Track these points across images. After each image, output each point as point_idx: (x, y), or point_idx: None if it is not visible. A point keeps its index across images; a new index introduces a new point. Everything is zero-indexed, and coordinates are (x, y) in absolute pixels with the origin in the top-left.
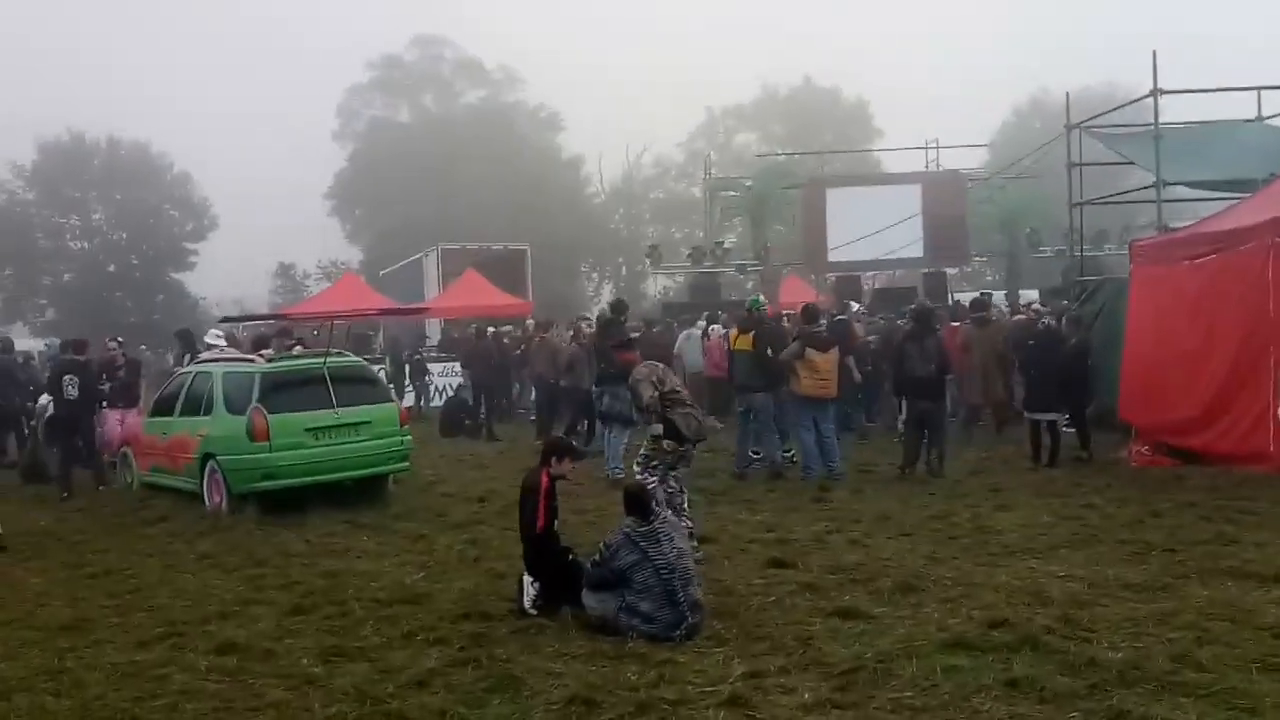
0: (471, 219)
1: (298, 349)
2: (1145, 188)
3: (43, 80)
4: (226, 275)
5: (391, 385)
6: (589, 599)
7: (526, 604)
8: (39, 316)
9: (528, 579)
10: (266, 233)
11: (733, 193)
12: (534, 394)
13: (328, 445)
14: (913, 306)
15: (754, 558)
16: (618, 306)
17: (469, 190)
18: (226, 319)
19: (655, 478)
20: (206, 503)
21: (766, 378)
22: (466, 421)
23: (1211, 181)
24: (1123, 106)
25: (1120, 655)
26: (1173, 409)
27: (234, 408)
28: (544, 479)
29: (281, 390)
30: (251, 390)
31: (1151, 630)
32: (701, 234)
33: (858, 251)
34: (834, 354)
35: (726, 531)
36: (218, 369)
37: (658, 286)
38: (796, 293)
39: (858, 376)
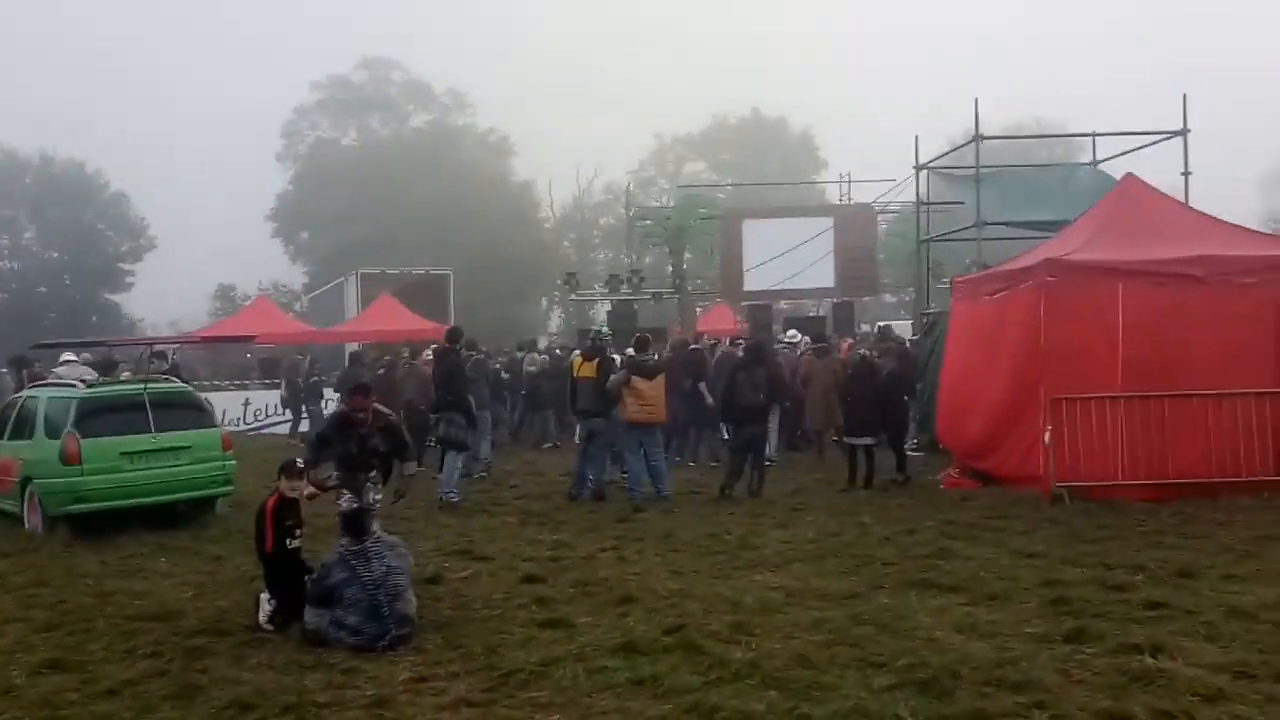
0: (417, 242)
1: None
2: (967, 227)
3: None
4: (166, 297)
5: (288, 409)
6: (308, 614)
7: (261, 619)
8: None
9: (264, 596)
10: (208, 254)
11: (648, 221)
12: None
13: (144, 469)
14: (745, 339)
15: (514, 574)
16: (453, 335)
17: (415, 213)
18: (38, 345)
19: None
20: (26, 524)
21: (605, 404)
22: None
23: (1028, 222)
24: (960, 148)
25: (748, 656)
26: (971, 433)
27: (52, 432)
28: (271, 500)
29: (98, 415)
30: (68, 415)
31: (799, 634)
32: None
33: (771, 281)
34: (660, 381)
35: (508, 551)
36: (44, 394)
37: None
38: (722, 320)
39: (710, 401)
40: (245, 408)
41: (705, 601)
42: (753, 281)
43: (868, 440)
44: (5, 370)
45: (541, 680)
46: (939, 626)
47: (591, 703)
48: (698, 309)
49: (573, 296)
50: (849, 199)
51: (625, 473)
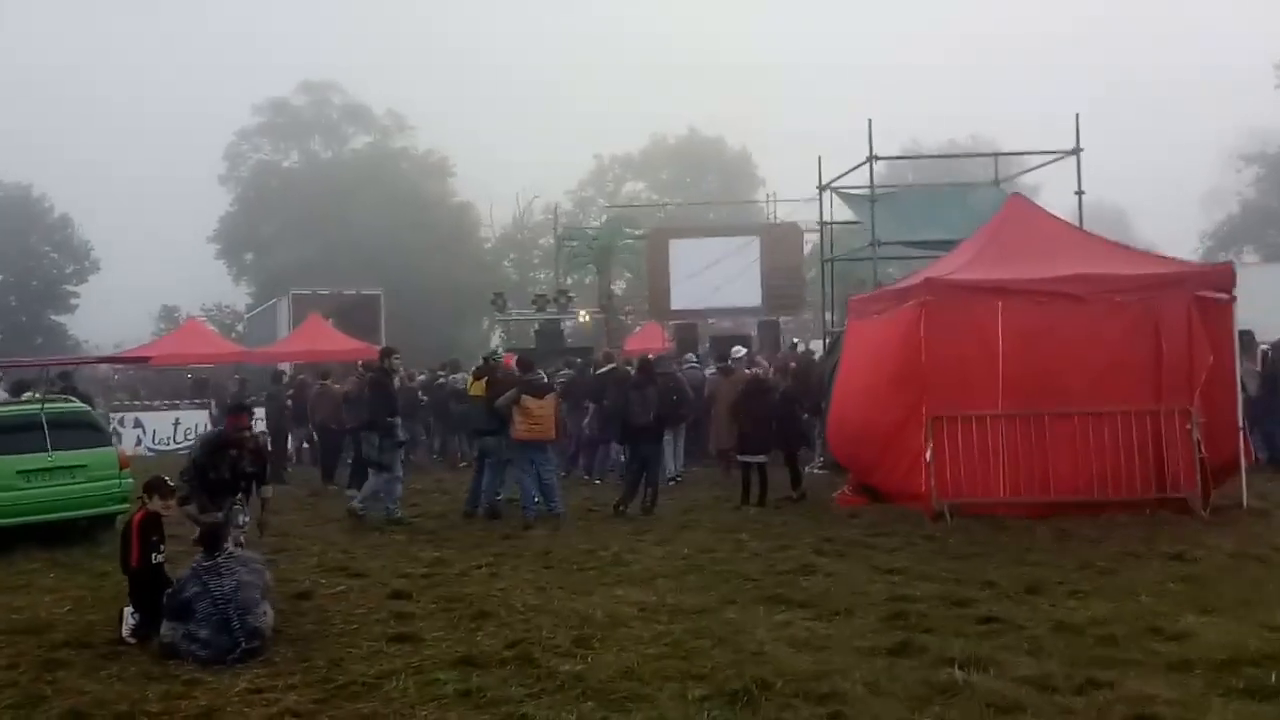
0: (359, 263)
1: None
2: (863, 246)
3: None
4: (110, 318)
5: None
6: (164, 627)
7: (125, 633)
8: None
9: (128, 610)
10: (153, 276)
11: (574, 242)
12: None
13: (40, 487)
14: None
15: (384, 590)
16: (383, 354)
17: (357, 234)
18: None
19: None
20: None
21: (497, 422)
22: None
23: (925, 241)
24: (856, 168)
25: (578, 669)
26: (860, 451)
27: None
28: (138, 515)
29: None
30: None
31: (636, 648)
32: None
33: (698, 300)
34: (550, 400)
35: (386, 568)
36: None
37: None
38: (653, 339)
39: None
40: (175, 427)
41: (558, 616)
42: (680, 300)
43: (760, 458)
44: None
45: (373, 692)
46: (773, 640)
47: (413, 713)
48: (636, 328)
49: (498, 317)
50: (775, 218)
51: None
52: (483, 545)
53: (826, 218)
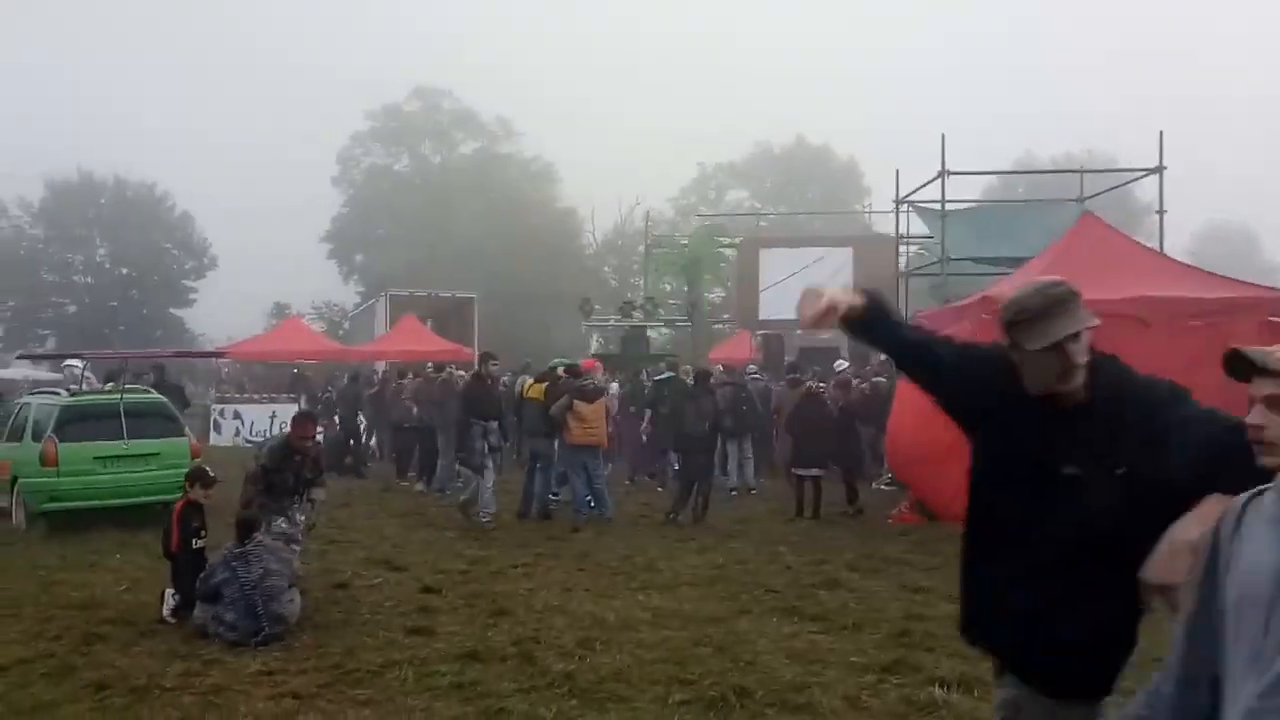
0: (463, 266)
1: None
2: (933, 262)
3: (53, 119)
4: (226, 314)
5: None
6: (196, 609)
7: (165, 613)
8: (39, 346)
9: (169, 591)
10: (267, 274)
11: (663, 249)
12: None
13: (115, 473)
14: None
15: (417, 585)
16: (482, 358)
17: (462, 237)
18: (23, 355)
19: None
20: (13, 520)
21: (550, 426)
22: (347, 460)
23: (1000, 258)
24: (927, 185)
25: (570, 668)
26: (915, 468)
27: (36, 436)
28: (180, 504)
29: (77, 422)
30: (50, 421)
31: (636, 651)
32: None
33: (787, 310)
34: (600, 404)
35: (426, 563)
36: (36, 401)
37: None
38: (741, 349)
39: None
40: (272, 420)
41: (572, 618)
42: (768, 310)
43: (815, 471)
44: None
45: (374, 680)
46: (772, 651)
47: (404, 701)
48: (727, 337)
49: (584, 324)
50: (871, 229)
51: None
52: (527, 545)
53: (905, 231)
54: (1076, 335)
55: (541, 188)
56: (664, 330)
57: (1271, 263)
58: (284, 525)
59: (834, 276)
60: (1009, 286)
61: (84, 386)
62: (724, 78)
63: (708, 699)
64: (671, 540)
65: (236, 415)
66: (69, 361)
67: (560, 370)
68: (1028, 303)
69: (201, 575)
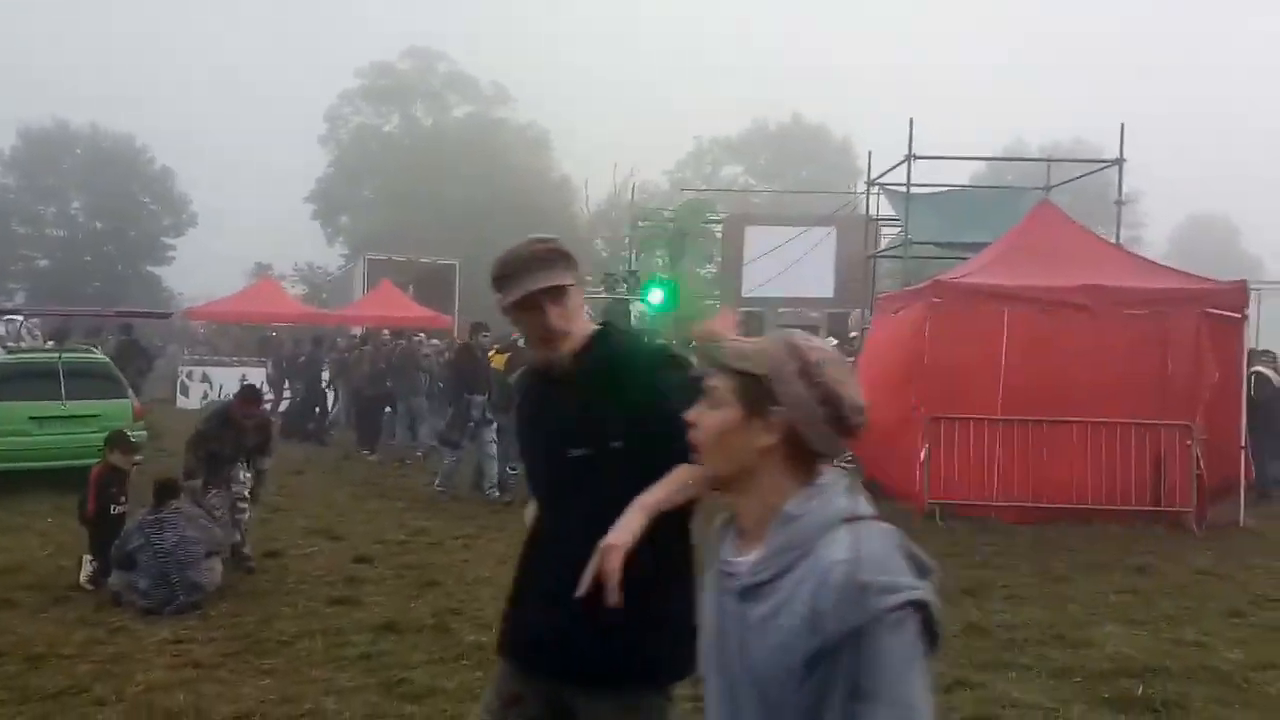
0: (451, 230)
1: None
2: (896, 245)
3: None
4: (205, 273)
5: (272, 388)
6: (112, 576)
7: (82, 579)
8: (7, 300)
9: (87, 557)
10: (248, 233)
11: (647, 222)
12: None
13: (52, 434)
14: None
15: (351, 554)
16: (475, 327)
17: (451, 202)
18: None
19: None
20: None
21: (509, 397)
22: (309, 425)
23: (962, 243)
24: (895, 167)
25: (483, 639)
26: (866, 446)
27: None
28: (97, 468)
29: (10, 381)
30: None
31: None
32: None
33: (770, 289)
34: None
35: (366, 533)
36: None
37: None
38: (724, 325)
39: None
40: (241, 383)
41: (500, 589)
42: (751, 288)
43: None
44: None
45: (283, 649)
46: None
47: (308, 672)
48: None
49: None
50: (856, 209)
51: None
52: (475, 518)
53: (877, 213)
54: (557, 294)
55: (535, 155)
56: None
57: (1254, 254)
58: (225, 493)
59: (814, 254)
60: (964, 270)
61: (25, 344)
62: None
63: None
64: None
65: (205, 378)
66: (8, 316)
67: (520, 340)
68: (508, 257)
69: (116, 542)
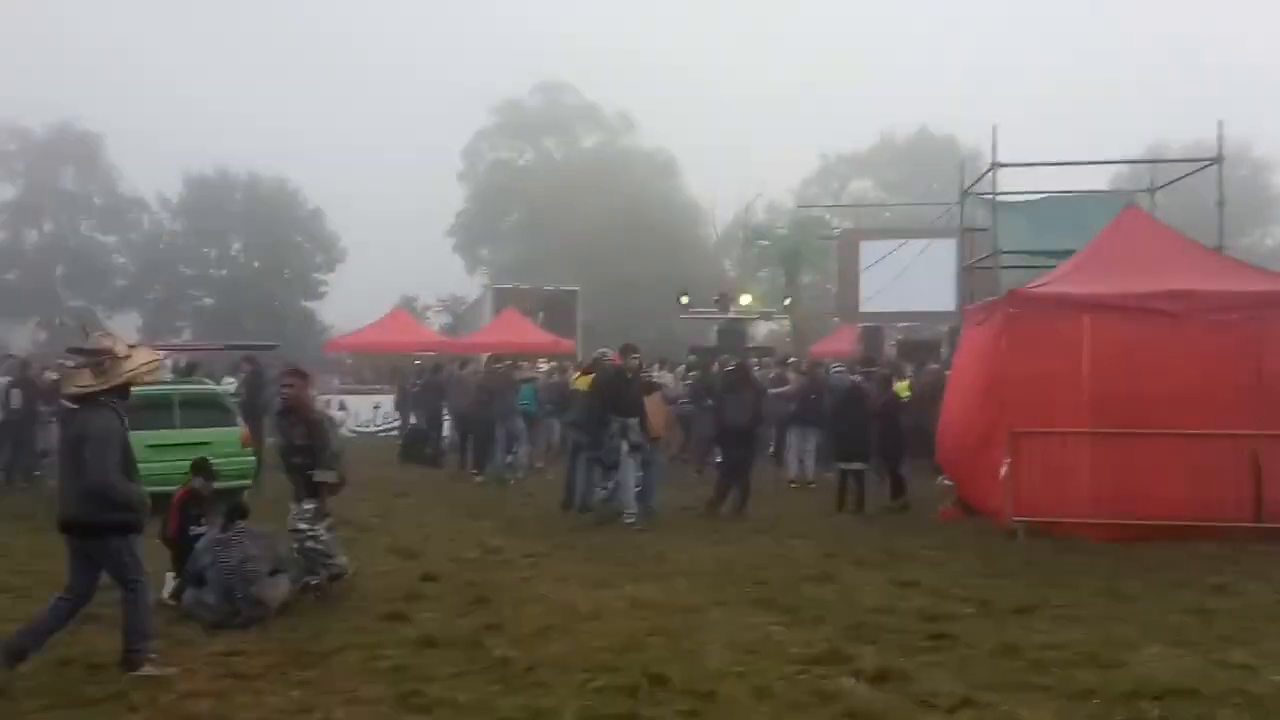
0: (584, 258)
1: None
2: (986, 256)
3: (189, 116)
4: (356, 306)
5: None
6: (186, 593)
7: (165, 594)
8: (176, 337)
9: (169, 574)
10: (395, 268)
11: (764, 241)
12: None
13: (168, 461)
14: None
15: (419, 573)
16: (626, 349)
17: (584, 230)
18: (71, 349)
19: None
20: None
21: (594, 417)
22: (427, 450)
23: (1057, 251)
24: (983, 176)
25: (513, 654)
26: (956, 462)
27: None
28: (180, 493)
29: (132, 411)
30: None
31: (590, 639)
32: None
33: (888, 303)
34: (656, 398)
35: (442, 552)
36: None
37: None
38: (844, 342)
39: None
40: (375, 410)
41: (547, 607)
42: (869, 303)
43: (857, 465)
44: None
45: (321, 662)
46: (720, 640)
47: (336, 683)
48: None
49: (682, 316)
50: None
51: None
52: (549, 537)
53: (970, 224)
54: None
55: (663, 179)
56: (775, 324)
57: None
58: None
59: (933, 267)
60: (1045, 279)
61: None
62: (856, 62)
63: (624, 686)
64: (698, 533)
65: (342, 405)
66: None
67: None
68: None
69: (189, 560)
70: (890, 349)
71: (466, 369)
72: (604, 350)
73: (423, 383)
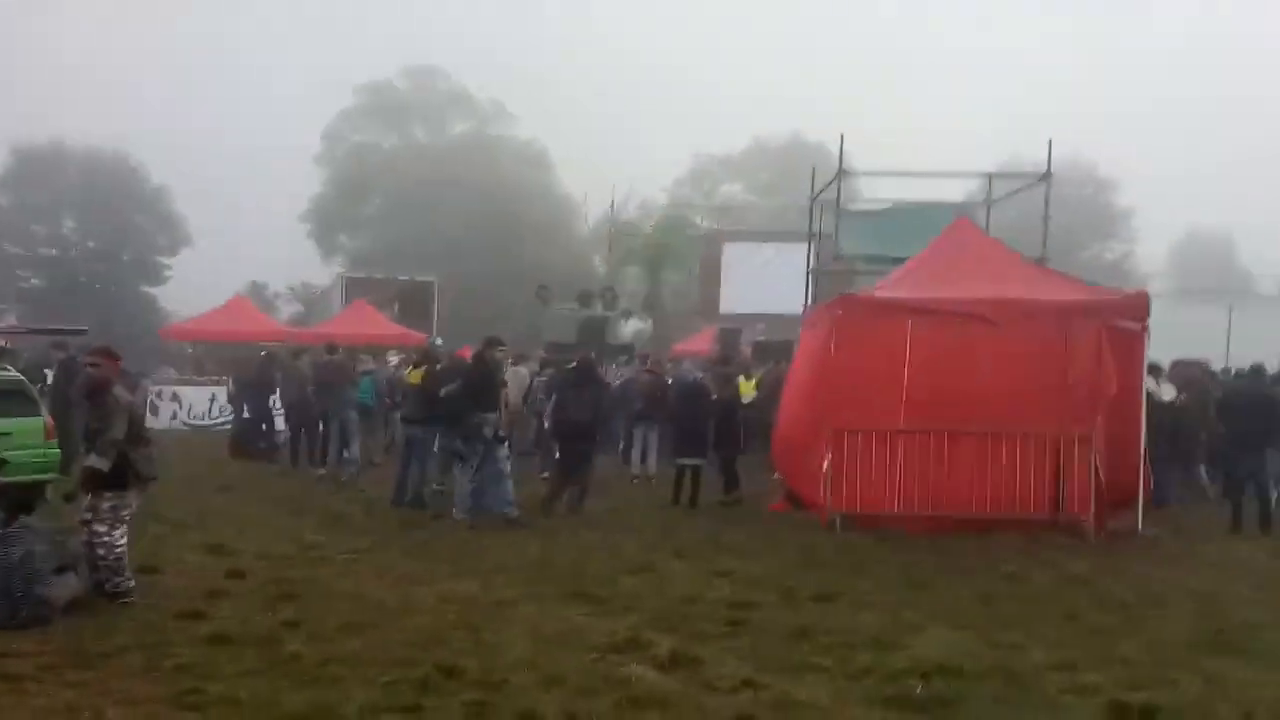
0: (449, 248)
1: None
2: (830, 261)
3: (25, 86)
4: (201, 291)
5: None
6: None
7: None
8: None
9: None
10: (246, 252)
11: (629, 238)
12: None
13: None
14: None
15: (225, 569)
16: (490, 342)
17: (450, 220)
18: None
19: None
20: None
21: (427, 412)
22: (261, 444)
23: (884, 257)
24: (829, 184)
25: (306, 649)
26: (785, 457)
27: None
28: None
29: None
30: None
31: (393, 633)
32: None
33: (748, 304)
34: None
35: (259, 550)
36: None
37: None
38: (708, 341)
39: None
40: (211, 403)
41: (356, 602)
42: (729, 304)
43: (694, 460)
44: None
45: (104, 662)
46: (524, 633)
47: (115, 683)
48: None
49: (543, 312)
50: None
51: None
52: (373, 533)
53: (821, 230)
54: None
55: (535, 172)
56: (641, 322)
57: (1245, 269)
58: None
59: (792, 271)
60: (881, 285)
61: None
62: (729, 68)
63: (415, 679)
64: (530, 530)
65: (175, 397)
66: None
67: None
68: None
69: None
70: (746, 349)
71: (300, 360)
72: (435, 340)
73: (253, 374)
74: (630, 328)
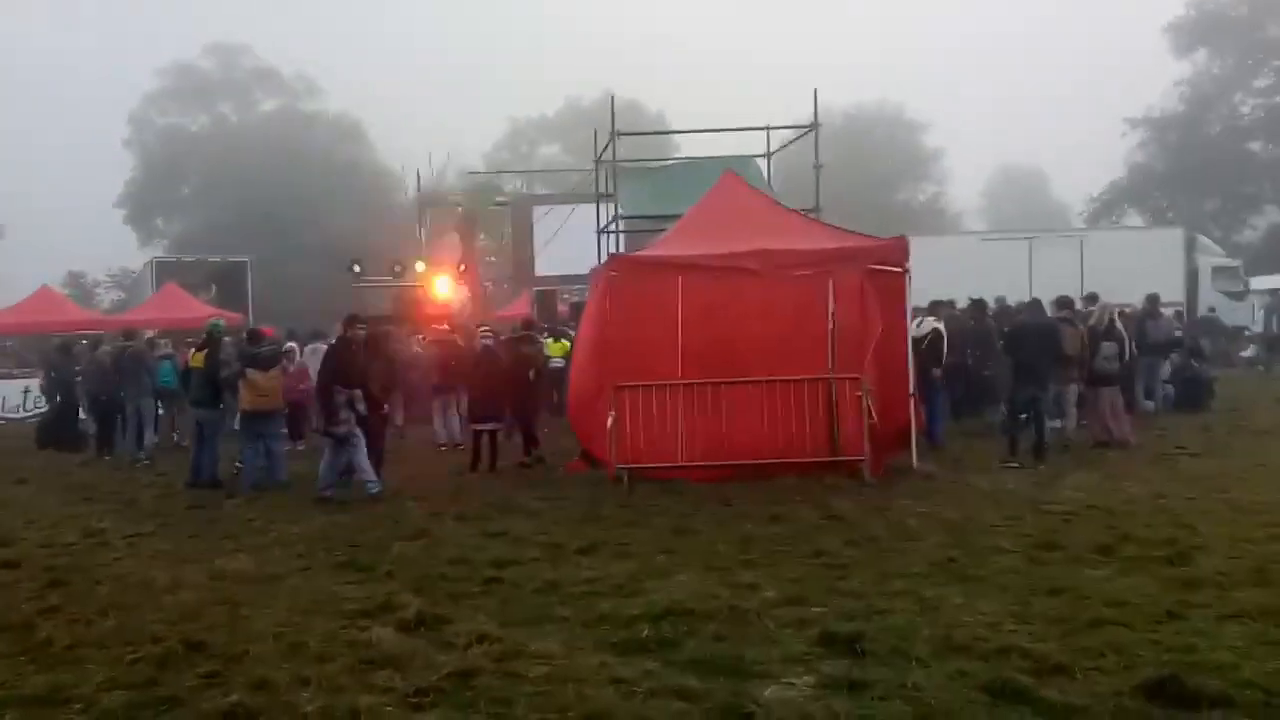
0: (270, 227)
1: None
2: (612, 220)
3: None
4: (16, 283)
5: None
6: None
7: None
8: None
9: None
10: (60, 241)
11: (438, 207)
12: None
13: None
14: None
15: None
16: (350, 319)
17: (268, 198)
18: None
19: None
20: None
21: (213, 394)
22: (66, 435)
23: (666, 215)
24: (608, 144)
25: (62, 632)
26: (577, 416)
27: None
28: None
29: None
30: None
31: (154, 612)
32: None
33: (559, 267)
34: (276, 372)
35: (41, 537)
36: None
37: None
38: (524, 307)
39: None
40: (25, 395)
41: (126, 585)
42: (543, 267)
43: (490, 425)
44: None
45: None
46: (283, 604)
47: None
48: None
49: (355, 285)
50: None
51: (237, 464)
52: (162, 517)
53: (604, 190)
54: None
55: (350, 146)
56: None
57: (1059, 201)
58: None
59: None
60: (653, 244)
61: None
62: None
63: (159, 656)
64: (318, 504)
65: None
66: None
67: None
68: None
69: None
70: (564, 311)
71: (99, 349)
72: (216, 321)
73: (53, 365)
74: (444, 295)
